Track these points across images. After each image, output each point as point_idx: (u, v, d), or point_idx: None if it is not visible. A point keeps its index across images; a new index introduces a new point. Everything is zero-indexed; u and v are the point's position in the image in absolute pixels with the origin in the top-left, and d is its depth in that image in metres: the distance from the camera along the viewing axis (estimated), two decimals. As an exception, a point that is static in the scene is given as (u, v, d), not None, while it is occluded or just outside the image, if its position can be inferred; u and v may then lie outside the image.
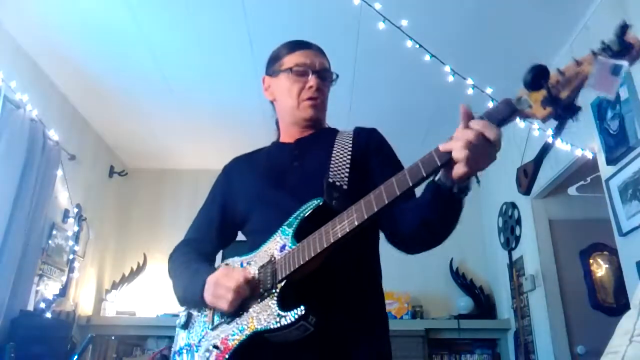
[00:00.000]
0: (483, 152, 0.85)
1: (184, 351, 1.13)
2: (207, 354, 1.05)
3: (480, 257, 4.21)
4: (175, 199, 4.48)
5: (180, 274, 1.19)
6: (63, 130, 3.31)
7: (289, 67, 1.26)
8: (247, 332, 1.00)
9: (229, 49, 2.98)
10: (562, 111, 0.81)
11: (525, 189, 3.38)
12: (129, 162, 4.51)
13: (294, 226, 1.07)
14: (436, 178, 0.94)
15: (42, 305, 3.07)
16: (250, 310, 1.02)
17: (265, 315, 0.98)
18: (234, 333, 1.02)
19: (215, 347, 1.03)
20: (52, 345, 2.92)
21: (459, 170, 0.86)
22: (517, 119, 0.89)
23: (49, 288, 3.23)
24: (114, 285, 4.08)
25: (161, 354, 3.64)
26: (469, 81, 2.64)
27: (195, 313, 1.16)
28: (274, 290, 1.00)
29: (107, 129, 3.98)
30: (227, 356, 1.01)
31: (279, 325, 0.95)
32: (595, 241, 3.31)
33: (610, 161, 2.43)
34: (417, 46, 2.48)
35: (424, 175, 0.89)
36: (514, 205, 3.67)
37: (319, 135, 1.29)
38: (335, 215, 1.00)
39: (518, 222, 3.60)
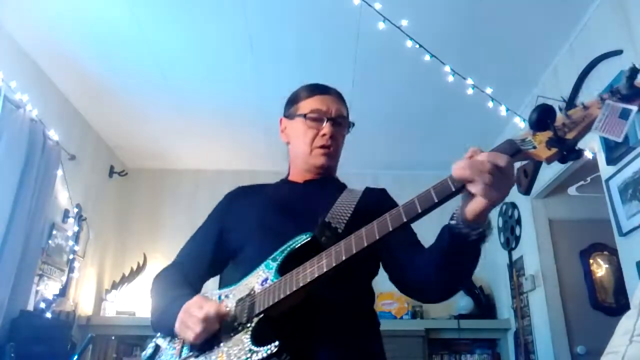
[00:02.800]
0: (497, 182, 0.79)
1: None
2: None
3: (480, 257, 4.21)
4: (175, 199, 4.48)
5: (161, 297, 1.15)
6: (63, 130, 3.31)
7: (304, 112, 1.24)
8: None
9: (229, 49, 2.98)
10: (568, 152, 0.80)
11: (525, 189, 3.37)
12: (129, 162, 4.51)
13: (278, 260, 1.03)
14: (452, 222, 0.90)
15: (42, 305, 3.07)
16: (222, 344, 0.97)
17: (237, 350, 0.93)
18: None
19: None
20: (52, 345, 2.92)
21: (478, 204, 0.82)
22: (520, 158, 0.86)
23: (49, 288, 3.23)
24: (114, 285, 4.08)
25: None
26: (469, 81, 2.64)
27: (163, 345, 1.11)
28: (248, 324, 0.96)
29: (107, 129, 3.98)
30: None
31: None
32: (595, 241, 3.31)
33: (610, 161, 2.43)
34: (417, 46, 2.48)
35: (419, 211, 0.85)
36: (514, 205, 3.67)
37: (326, 182, 1.28)
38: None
39: (518, 222, 3.60)
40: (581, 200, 3.35)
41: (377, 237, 0.88)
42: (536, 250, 3.33)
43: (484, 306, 3.97)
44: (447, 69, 2.60)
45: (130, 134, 4.03)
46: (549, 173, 3.11)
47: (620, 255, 2.40)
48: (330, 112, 1.23)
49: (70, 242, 3.49)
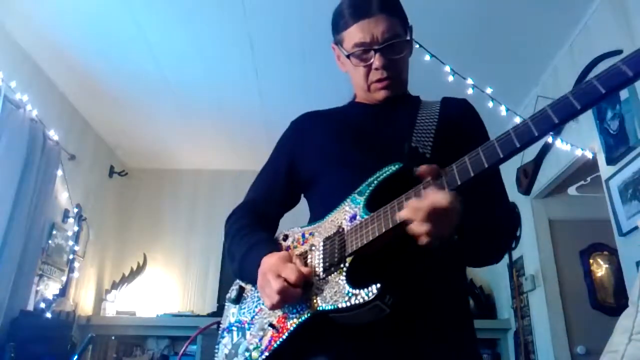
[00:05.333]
0: (442, 220, 0.79)
1: (234, 328, 1.02)
2: (261, 333, 0.93)
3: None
4: (175, 199, 4.48)
5: (236, 245, 1.06)
6: (63, 130, 3.31)
7: (347, 49, 1.08)
8: (310, 310, 0.87)
9: (229, 49, 2.98)
10: None
11: (525, 189, 3.39)
12: (129, 162, 4.51)
13: (365, 194, 0.94)
14: None
15: (42, 305, 3.07)
16: (314, 287, 0.89)
17: (332, 292, 0.86)
18: (294, 311, 0.90)
19: (272, 325, 0.91)
20: (52, 345, 2.92)
21: (422, 241, 0.81)
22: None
23: (49, 288, 3.23)
24: (114, 285, 4.08)
25: (161, 355, 3.64)
26: (469, 81, 2.64)
27: (248, 287, 1.05)
28: (342, 265, 0.88)
29: (107, 129, 3.98)
30: (284, 337, 0.89)
31: (348, 304, 0.82)
32: (595, 241, 3.30)
33: (610, 161, 2.43)
34: (417, 46, 2.47)
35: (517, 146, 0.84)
36: (514, 205, 3.66)
37: (402, 99, 1.15)
38: (415, 183, 0.87)
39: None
40: (581, 200, 3.35)
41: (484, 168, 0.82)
42: (536, 250, 3.33)
43: (484, 306, 3.97)
44: (447, 69, 2.60)
45: (130, 134, 4.03)
46: (549, 173, 3.11)
47: (620, 255, 2.40)
48: (376, 40, 1.04)
49: (70, 242, 3.49)
